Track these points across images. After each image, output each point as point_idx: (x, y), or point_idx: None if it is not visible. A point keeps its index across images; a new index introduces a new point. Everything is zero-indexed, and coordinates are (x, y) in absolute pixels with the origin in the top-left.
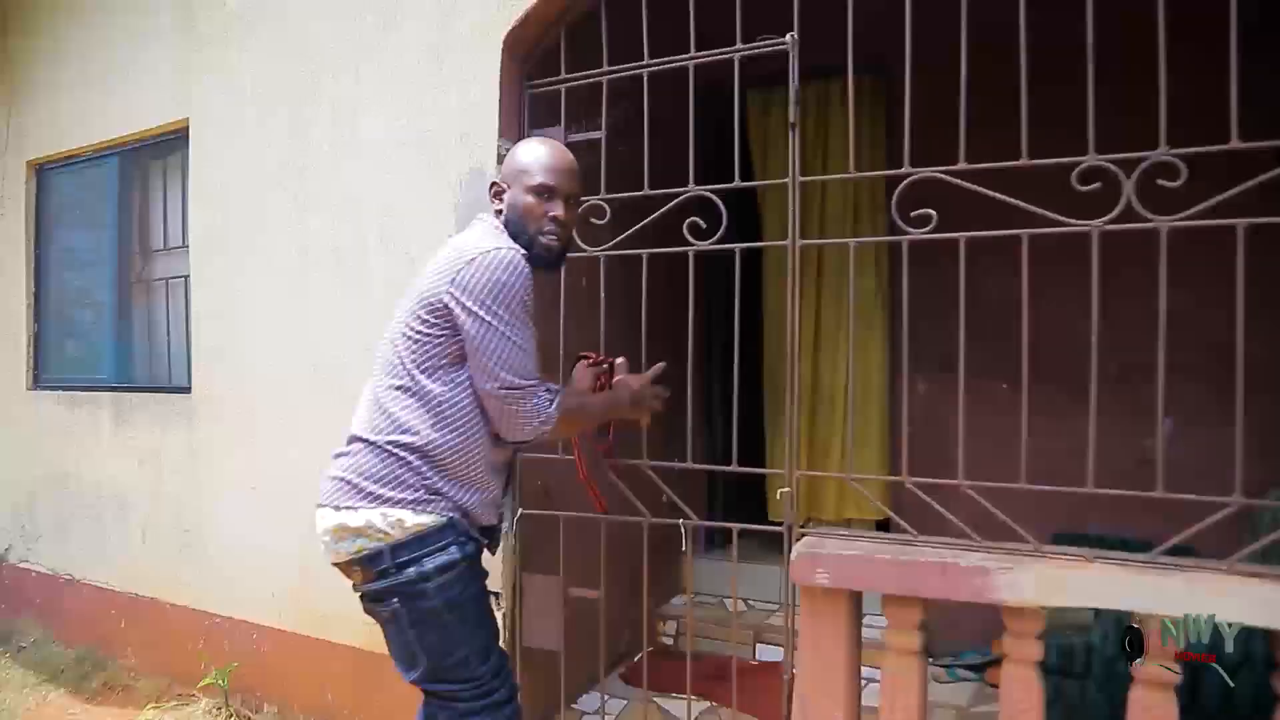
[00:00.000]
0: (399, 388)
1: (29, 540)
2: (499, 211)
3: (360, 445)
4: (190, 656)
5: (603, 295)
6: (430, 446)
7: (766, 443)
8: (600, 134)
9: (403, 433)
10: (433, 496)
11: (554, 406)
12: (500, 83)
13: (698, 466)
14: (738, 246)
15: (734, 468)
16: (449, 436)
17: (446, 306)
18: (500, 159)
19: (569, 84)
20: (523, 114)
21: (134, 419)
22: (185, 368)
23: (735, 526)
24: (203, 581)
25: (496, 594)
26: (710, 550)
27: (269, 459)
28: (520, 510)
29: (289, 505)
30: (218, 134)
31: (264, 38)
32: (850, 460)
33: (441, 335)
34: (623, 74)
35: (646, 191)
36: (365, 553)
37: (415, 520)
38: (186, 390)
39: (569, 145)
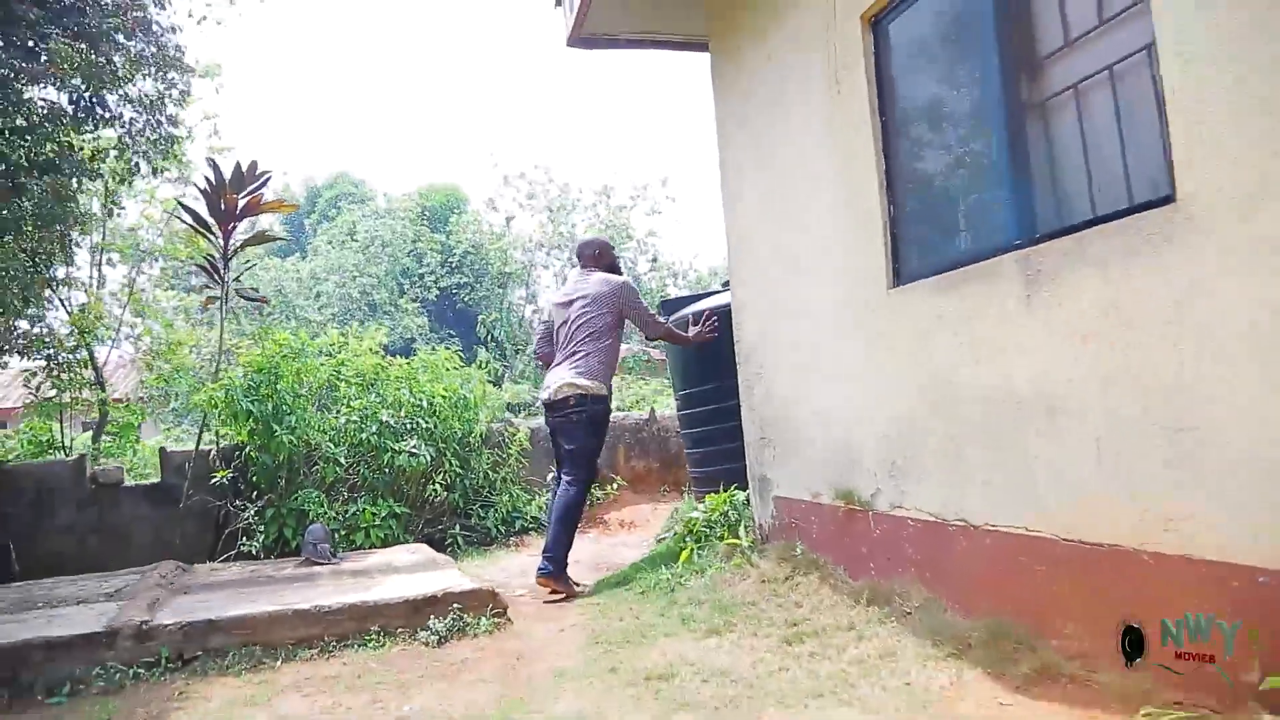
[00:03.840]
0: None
1: (902, 480)
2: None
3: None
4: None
5: None
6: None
7: None
8: None
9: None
10: None
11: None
12: None
13: None
14: None
15: None
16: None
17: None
18: None
19: None
20: None
21: (1059, 277)
22: (1121, 185)
23: None
24: (1210, 512)
25: None
26: None
27: None
28: None
29: None
30: None
31: None
32: None
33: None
34: None
35: None
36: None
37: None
38: (1162, 201)
39: None
